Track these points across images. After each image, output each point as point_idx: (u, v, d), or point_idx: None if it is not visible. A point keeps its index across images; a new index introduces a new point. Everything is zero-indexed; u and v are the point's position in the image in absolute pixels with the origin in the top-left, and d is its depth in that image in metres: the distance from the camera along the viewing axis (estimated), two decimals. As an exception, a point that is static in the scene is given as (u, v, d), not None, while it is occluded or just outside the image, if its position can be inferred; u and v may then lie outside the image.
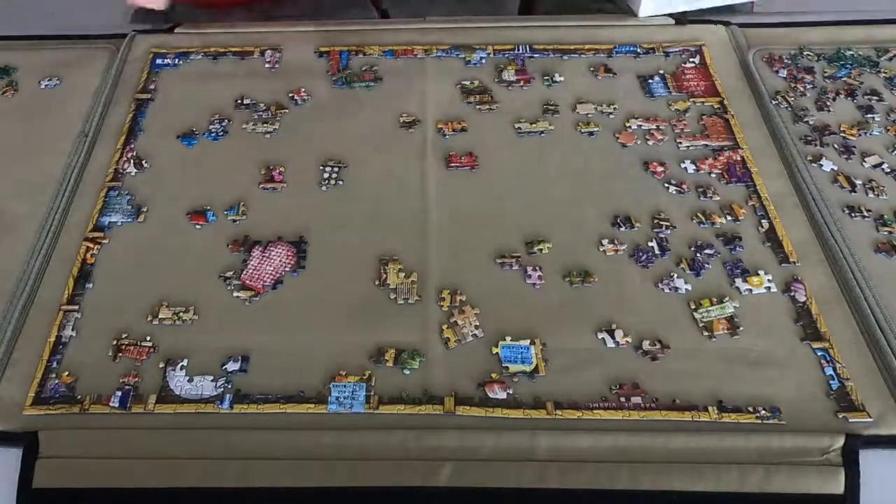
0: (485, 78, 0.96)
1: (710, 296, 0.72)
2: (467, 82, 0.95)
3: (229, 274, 0.75)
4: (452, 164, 0.85)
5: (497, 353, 0.68)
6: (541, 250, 0.76)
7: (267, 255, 0.76)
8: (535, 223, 0.79)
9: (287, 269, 0.75)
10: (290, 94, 0.94)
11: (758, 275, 0.74)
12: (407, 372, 0.67)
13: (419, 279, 0.74)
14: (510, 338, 0.69)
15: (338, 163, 0.86)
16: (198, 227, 0.79)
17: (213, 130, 0.90)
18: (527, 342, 0.69)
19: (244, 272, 0.75)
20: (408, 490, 0.61)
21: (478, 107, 0.92)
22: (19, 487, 0.61)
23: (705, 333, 0.69)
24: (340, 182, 0.84)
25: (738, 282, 0.73)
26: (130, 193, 0.83)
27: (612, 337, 0.69)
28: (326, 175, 0.84)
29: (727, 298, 0.72)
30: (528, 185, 0.83)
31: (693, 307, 0.71)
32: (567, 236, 0.78)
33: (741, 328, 0.70)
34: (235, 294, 0.73)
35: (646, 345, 0.69)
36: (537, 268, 0.75)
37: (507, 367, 0.67)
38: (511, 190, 0.83)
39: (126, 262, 0.76)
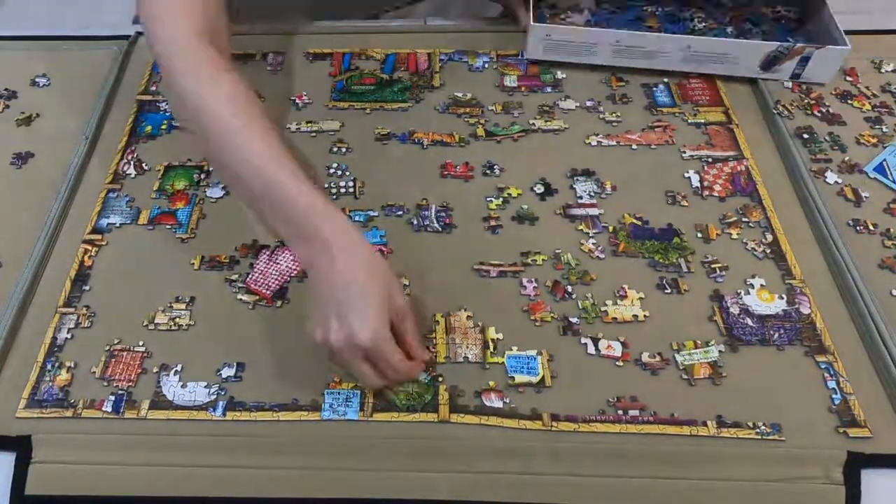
0: (487, 84, 0.95)
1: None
2: (459, 94, 0.93)
3: (234, 277, 0.74)
4: (447, 173, 0.85)
5: (502, 362, 0.68)
6: (535, 261, 0.75)
7: (274, 259, 0.76)
8: (530, 234, 0.78)
9: (293, 274, 0.75)
10: (292, 98, 0.94)
11: (762, 286, 0.73)
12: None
13: (413, 286, 0.73)
14: (516, 348, 0.69)
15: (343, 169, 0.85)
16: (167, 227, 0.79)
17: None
18: (534, 352, 0.68)
19: (250, 276, 0.74)
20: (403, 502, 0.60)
21: (471, 120, 0.90)
22: (12, 494, 0.60)
23: (684, 377, 0.67)
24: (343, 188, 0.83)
25: (742, 293, 0.72)
26: (130, 195, 0.82)
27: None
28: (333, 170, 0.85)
29: (712, 342, 0.69)
30: (525, 194, 0.82)
31: (675, 348, 0.69)
32: (564, 246, 0.77)
33: (725, 376, 0.67)
34: (239, 297, 0.72)
35: (645, 357, 0.68)
36: (533, 279, 0.74)
37: (512, 378, 0.66)
38: (507, 199, 0.82)
39: (124, 264, 0.76)
